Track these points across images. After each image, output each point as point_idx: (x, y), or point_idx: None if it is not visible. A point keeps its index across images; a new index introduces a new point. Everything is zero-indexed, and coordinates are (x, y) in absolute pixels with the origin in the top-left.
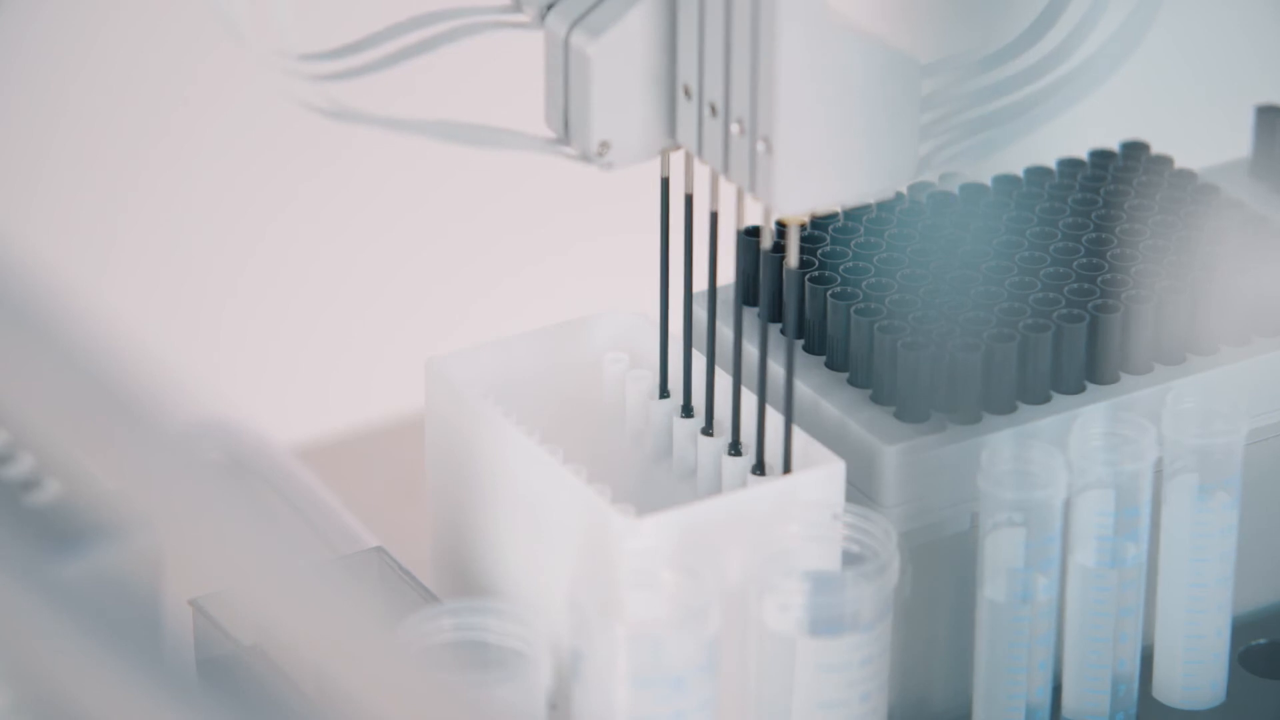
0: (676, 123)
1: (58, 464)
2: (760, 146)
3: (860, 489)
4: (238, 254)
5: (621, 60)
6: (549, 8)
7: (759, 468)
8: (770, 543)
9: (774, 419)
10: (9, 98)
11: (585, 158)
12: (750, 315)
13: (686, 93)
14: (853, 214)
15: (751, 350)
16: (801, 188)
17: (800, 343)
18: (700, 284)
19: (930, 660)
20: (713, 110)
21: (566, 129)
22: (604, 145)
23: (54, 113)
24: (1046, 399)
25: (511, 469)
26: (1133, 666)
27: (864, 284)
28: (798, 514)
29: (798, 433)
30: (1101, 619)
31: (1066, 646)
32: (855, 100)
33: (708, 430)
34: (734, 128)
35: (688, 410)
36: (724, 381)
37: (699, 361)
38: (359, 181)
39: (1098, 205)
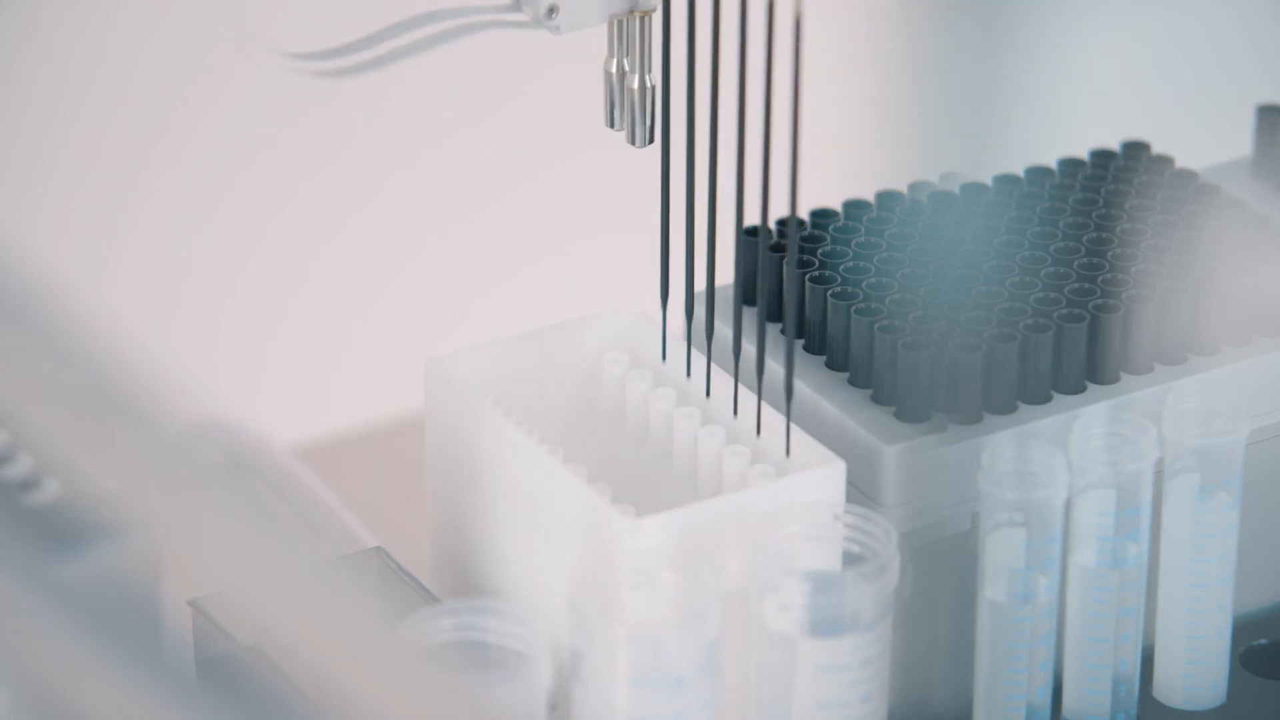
0: None
1: (57, 464)
2: None
3: (860, 489)
4: (238, 254)
5: None
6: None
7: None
8: (770, 543)
9: (774, 419)
10: (9, 98)
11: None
12: (750, 315)
13: None
14: (853, 214)
15: (751, 350)
16: None
17: (800, 343)
18: (700, 284)
19: (931, 661)
20: None
21: None
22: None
23: (54, 113)
24: (1047, 399)
25: (511, 469)
26: (1133, 667)
27: (864, 284)
28: (798, 514)
29: (798, 433)
30: (1102, 619)
31: (1067, 647)
32: None
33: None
34: None
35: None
36: (724, 381)
37: (699, 361)
38: (359, 181)
39: (1098, 205)
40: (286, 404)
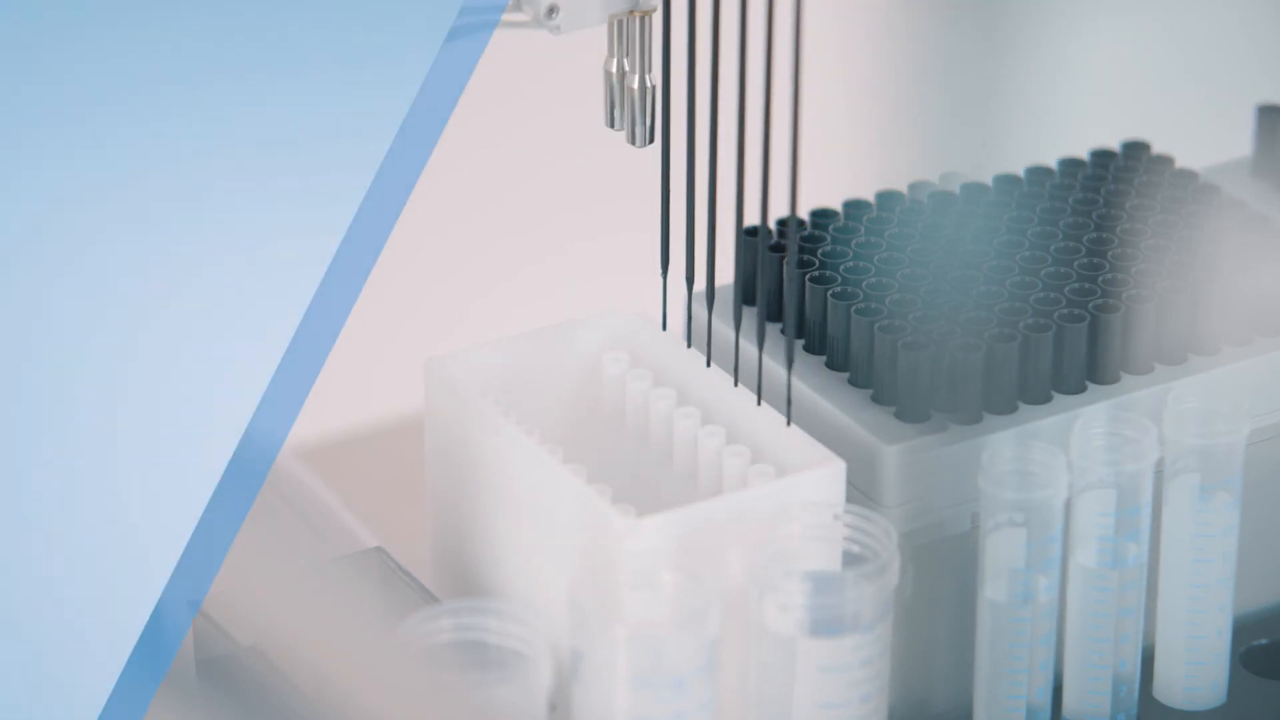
0: None
1: None
2: None
3: (860, 489)
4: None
5: None
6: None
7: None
8: (770, 543)
9: (774, 419)
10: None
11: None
12: (750, 315)
13: None
14: (853, 214)
15: (751, 350)
16: None
17: (800, 343)
18: (700, 284)
19: (931, 661)
20: None
21: None
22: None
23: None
24: (1047, 399)
25: (511, 469)
26: (1134, 667)
27: (864, 284)
28: (798, 514)
29: (798, 433)
30: (1102, 619)
31: (1067, 647)
32: None
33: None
34: None
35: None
36: (724, 381)
37: (699, 361)
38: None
39: (1099, 205)
40: None
